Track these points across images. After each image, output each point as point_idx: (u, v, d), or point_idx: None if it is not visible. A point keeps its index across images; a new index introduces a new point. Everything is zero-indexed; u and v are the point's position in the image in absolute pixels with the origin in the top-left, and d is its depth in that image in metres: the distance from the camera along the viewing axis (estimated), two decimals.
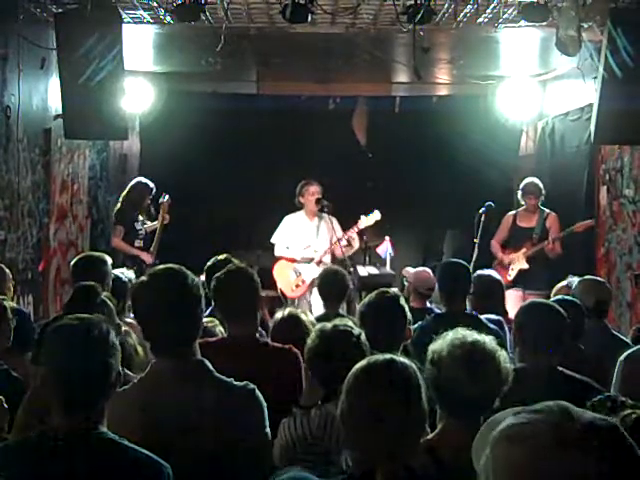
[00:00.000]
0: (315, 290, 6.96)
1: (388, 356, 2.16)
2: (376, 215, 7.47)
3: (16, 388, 3.21)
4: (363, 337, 2.88)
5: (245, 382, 2.54)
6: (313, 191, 7.37)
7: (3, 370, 3.48)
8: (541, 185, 7.31)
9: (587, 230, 6.96)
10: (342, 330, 2.88)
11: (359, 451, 2.03)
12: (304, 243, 7.44)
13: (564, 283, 5.01)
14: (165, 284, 2.54)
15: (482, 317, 4.34)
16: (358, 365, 2.13)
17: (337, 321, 3.02)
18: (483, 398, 2.35)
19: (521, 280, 7.09)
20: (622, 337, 4.42)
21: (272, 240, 7.56)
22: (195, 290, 2.54)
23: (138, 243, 7.18)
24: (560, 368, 3.15)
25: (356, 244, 7.48)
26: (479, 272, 5.40)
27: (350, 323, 3.03)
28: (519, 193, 7.32)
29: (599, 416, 1.09)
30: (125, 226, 7.15)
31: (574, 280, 4.75)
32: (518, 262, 7.14)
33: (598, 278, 5.07)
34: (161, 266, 2.69)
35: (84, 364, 2.09)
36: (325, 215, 7.39)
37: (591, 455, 1.03)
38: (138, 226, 7.22)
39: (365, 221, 7.44)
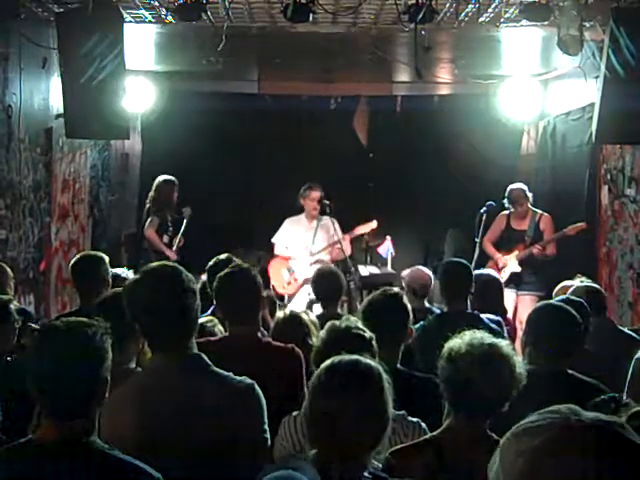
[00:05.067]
0: (302, 289, 7.08)
1: (354, 357, 2.16)
2: (372, 224, 7.61)
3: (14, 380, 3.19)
4: (374, 340, 2.86)
5: (243, 377, 2.55)
6: (313, 197, 7.47)
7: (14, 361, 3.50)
8: (525, 188, 7.24)
9: (579, 233, 6.91)
10: (355, 332, 2.86)
11: (315, 449, 2.04)
12: (302, 245, 7.51)
13: (571, 282, 5.00)
14: (159, 280, 2.55)
15: (483, 317, 4.33)
16: (322, 365, 2.14)
17: (349, 322, 2.97)
18: (494, 399, 2.37)
19: (513, 281, 7.05)
20: (627, 331, 4.41)
21: (272, 240, 7.69)
22: (190, 285, 2.55)
23: (166, 239, 7.37)
24: (570, 371, 3.15)
25: (347, 251, 7.46)
26: (477, 271, 5.40)
27: (360, 324, 3.00)
28: (505, 201, 7.24)
29: (606, 416, 1.09)
30: (160, 219, 7.37)
31: (581, 280, 4.79)
32: (510, 264, 7.11)
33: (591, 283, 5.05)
34: (155, 263, 2.72)
35: (69, 371, 2.05)
36: (326, 218, 7.48)
37: (592, 453, 1.03)
38: (169, 223, 7.42)
39: (360, 229, 7.59)
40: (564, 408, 1.10)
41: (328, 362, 2.14)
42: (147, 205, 7.62)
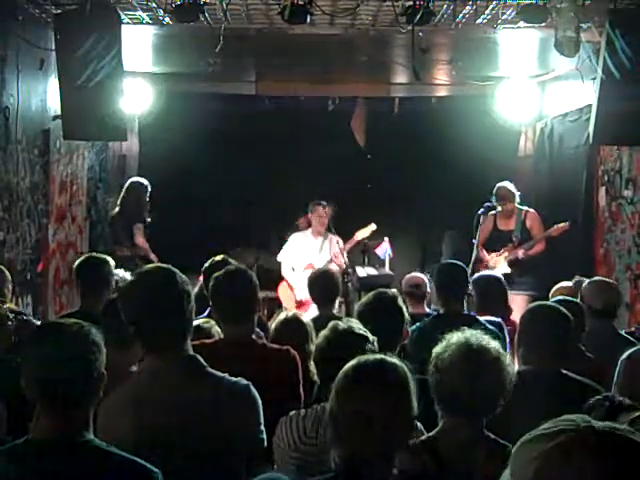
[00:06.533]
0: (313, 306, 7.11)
1: (379, 356, 2.16)
2: (371, 226, 7.67)
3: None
4: (376, 343, 2.86)
5: (239, 378, 2.55)
6: (321, 213, 7.55)
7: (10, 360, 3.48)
8: (513, 188, 7.24)
9: (563, 233, 6.93)
10: (357, 333, 2.85)
11: (347, 450, 2.04)
12: (306, 261, 7.54)
13: (568, 283, 5.00)
14: (154, 282, 2.56)
15: (480, 318, 4.33)
16: (348, 364, 2.14)
17: (351, 323, 2.95)
18: (485, 400, 2.36)
19: (506, 282, 7.03)
20: (630, 338, 4.40)
21: (278, 258, 7.75)
22: (184, 287, 2.56)
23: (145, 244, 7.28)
24: (564, 371, 3.15)
25: (343, 265, 7.49)
26: (479, 273, 5.39)
27: (361, 326, 2.98)
28: (493, 199, 7.23)
29: (618, 423, 1.10)
30: (142, 223, 7.24)
31: (583, 280, 4.78)
32: (500, 266, 7.12)
33: (608, 280, 5.04)
34: (149, 265, 2.75)
35: (65, 362, 2.07)
36: (331, 235, 7.59)
37: (604, 459, 1.03)
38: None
39: (361, 234, 7.65)
40: (576, 417, 1.10)
41: (354, 362, 2.14)
42: (116, 209, 7.38)
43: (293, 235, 7.79)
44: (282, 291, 7.68)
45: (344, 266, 7.36)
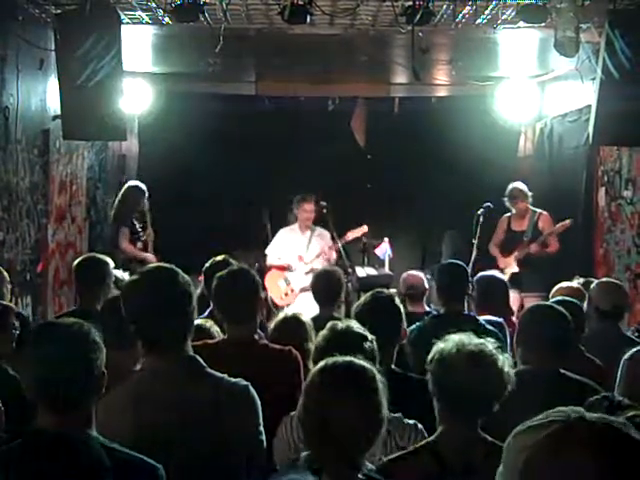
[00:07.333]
0: (299, 298, 7.16)
1: (348, 358, 2.16)
2: (363, 228, 7.67)
3: (12, 385, 3.18)
4: (375, 343, 2.85)
5: (238, 379, 2.55)
6: (306, 208, 7.53)
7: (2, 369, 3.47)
8: (525, 188, 7.34)
9: (565, 230, 7.02)
10: (357, 333, 2.85)
11: (310, 450, 2.04)
12: (296, 254, 7.57)
13: (568, 283, 5.00)
14: (156, 282, 2.56)
15: (481, 318, 4.33)
16: (317, 366, 2.15)
17: (351, 323, 2.95)
18: (484, 401, 2.36)
19: (516, 283, 7.05)
20: (635, 339, 4.40)
21: (266, 251, 7.74)
22: (186, 287, 2.56)
23: (140, 245, 7.24)
24: (563, 371, 3.15)
25: (332, 260, 7.53)
26: (482, 273, 5.40)
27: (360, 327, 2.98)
28: (506, 200, 7.32)
29: (610, 416, 1.09)
30: (129, 227, 7.20)
31: (591, 280, 4.78)
32: (510, 266, 7.15)
33: (616, 281, 5.04)
34: (152, 265, 2.75)
35: (66, 361, 2.07)
36: (318, 229, 7.59)
37: (593, 450, 1.03)
38: (138, 229, 7.27)
39: (352, 234, 7.63)
40: (568, 409, 1.10)
41: (322, 363, 2.14)
42: (112, 212, 7.41)
43: (281, 230, 7.76)
44: (269, 279, 7.59)
45: (332, 262, 7.38)
